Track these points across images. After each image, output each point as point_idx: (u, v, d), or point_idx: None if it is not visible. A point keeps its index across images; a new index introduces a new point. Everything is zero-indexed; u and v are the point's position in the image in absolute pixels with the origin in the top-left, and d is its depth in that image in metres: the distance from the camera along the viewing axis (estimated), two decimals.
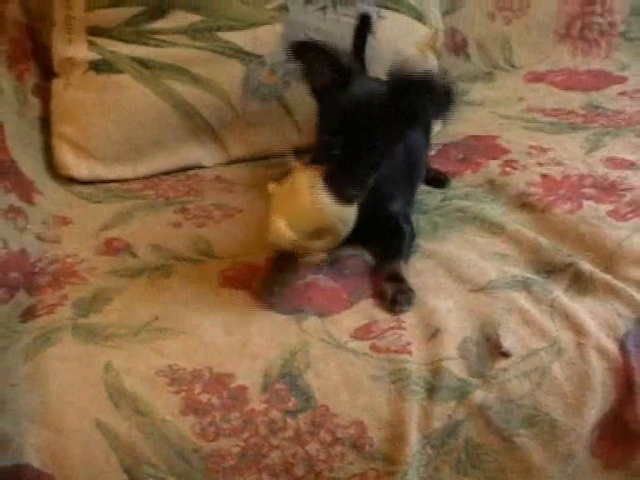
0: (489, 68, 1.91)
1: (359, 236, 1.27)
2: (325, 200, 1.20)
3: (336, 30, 1.59)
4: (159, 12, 1.56)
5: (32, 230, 1.40)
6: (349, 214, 1.24)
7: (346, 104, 1.24)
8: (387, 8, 1.64)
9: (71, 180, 1.57)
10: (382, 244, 1.31)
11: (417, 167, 1.43)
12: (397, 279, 1.26)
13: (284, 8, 1.59)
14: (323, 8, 1.61)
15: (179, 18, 1.56)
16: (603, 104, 1.75)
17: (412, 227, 1.36)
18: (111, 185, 1.56)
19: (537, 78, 1.88)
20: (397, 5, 1.65)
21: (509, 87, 1.84)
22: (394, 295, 1.23)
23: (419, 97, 1.21)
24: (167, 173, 1.60)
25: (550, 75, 1.88)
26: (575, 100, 1.77)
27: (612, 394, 1.19)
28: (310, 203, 1.21)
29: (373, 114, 1.22)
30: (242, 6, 1.58)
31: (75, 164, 1.56)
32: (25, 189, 1.45)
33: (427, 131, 1.48)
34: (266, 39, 1.58)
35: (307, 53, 1.26)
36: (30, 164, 1.51)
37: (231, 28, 1.57)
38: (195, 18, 1.57)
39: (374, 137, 1.21)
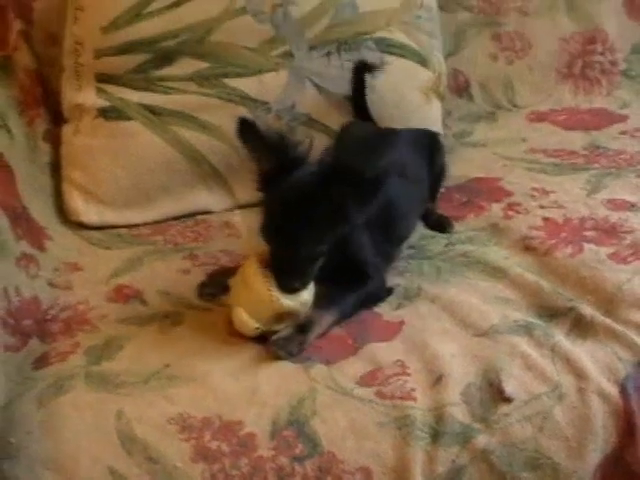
0: (492, 108, 1.93)
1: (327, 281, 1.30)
2: (275, 292, 1.25)
3: (340, 76, 1.64)
4: (167, 59, 1.60)
5: (44, 277, 1.43)
6: (306, 297, 1.28)
7: (279, 200, 1.27)
8: (391, 54, 1.67)
9: (81, 225, 1.59)
10: (340, 289, 1.33)
11: (398, 221, 1.43)
12: (303, 329, 1.26)
13: (289, 54, 1.63)
14: (328, 54, 1.65)
15: (186, 65, 1.61)
16: (604, 144, 1.77)
17: (381, 279, 1.37)
18: (120, 230, 1.60)
19: (539, 118, 1.90)
20: (401, 50, 1.68)
21: (512, 127, 1.87)
22: (279, 337, 1.25)
23: (343, 192, 1.24)
24: (176, 218, 1.62)
25: (552, 114, 1.91)
26: (577, 140, 1.79)
27: (613, 437, 1.21)
28: (262, 295, 1.25)
29: (304, 210, 1.25)
30: (248, 53, 1.62)
31: (84, 210, 1.59)
32: (36, 235, 1.48)
33: (420, 185, 1.50)
34: (272, 85, 1.62)
35: (252, 137, 1.28)
36: (41, 210, 1.55)
37: (237, 75, 1.61)
38: (202, 65, 1.61)
39: (307, 232, 1.24)
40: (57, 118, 1.66)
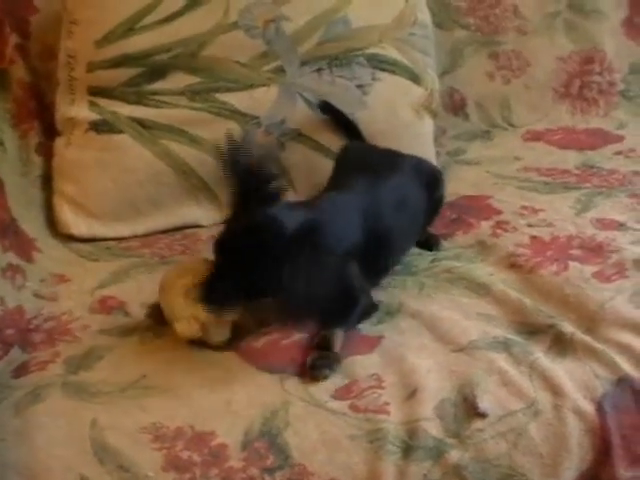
0: (488, 127, 1.93)
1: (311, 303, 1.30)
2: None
3: (331, 92, 1.65)
4: (159, 73, 1.61)
5: (30, 287, 1.44)
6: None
7: (228, 231, 1.28)
8: (383, 70, 1.68)
9: (71, 238, 1.60)
10: (329, 312, 1.31)
11: (387, 254, 1.42)
12: (324, 346, 1.27)
13: (281, 70, 1.64)
14: (319, 70, 1.65)
15: (178, 79, 1.62)
16: (598, 163, 1.77)
17: (368, 298, 1.37)
18: (109, 243, 1.61)
19: (535, 137, 1.90)
20: (393, 67, 1.68)
21: (506, 146, 1.87)
22: (314, 361, 1.25)
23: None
24: (165, 232, 1.63)
25: (548, 134, 1.91)
26: (571, 159, 1.79)
27: (589, 455, 1.20)
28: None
29: (240, 252, 1.24)
30: (240, 68, 1.63)
31: (74, 222, 1.60)
32: (25, 247, 1.50)
33: (416, 218, 1.50)
34: (262, 100, 1.63)
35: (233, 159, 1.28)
36: (31, 222, 1.57)
37: (228, 89, 1.62)
38: (194, 79, 1.62)
39: (242, 271, 1.23)
40: (51, 132, 1.67)
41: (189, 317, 1.28)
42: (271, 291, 1.25)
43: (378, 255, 1.40)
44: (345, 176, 1.50)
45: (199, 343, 1.29)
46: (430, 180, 1.54)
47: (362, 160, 1.55)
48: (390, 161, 1.53)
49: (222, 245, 1.28)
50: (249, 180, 1.28)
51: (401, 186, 1.48)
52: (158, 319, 1.34)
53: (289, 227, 1.25)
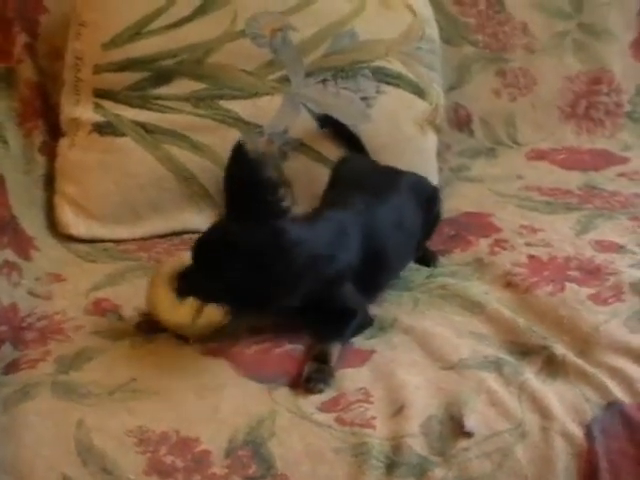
0: (492, 144, 1.93)
1: (306, 314, 1.32)
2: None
3: (335, 103, 1.65)
4: (164, 78, 1.62)
5: (25, 285, 1.44)
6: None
7: (208, 233, 1.29)
8: (387, 83, 1.68)
9: (70, 238, 1.61)
10: (325, 324, 1.32)
11: (382, 272, 1.42)
12: (321, 360, 1.27)
13: (286, 79, 1.64)
14: (324, 81, 1.66)
15: (183, 85, 1.63)
16: (600, 184, 1.77)
17: (364, 312, 1.37)
18: (107, 245, 1.61)
19: (539, 156, 1.90)
20: (397, 80, 1.69)
21: (510, 164, 1.86)
22: (310, 374, 1.25)
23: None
24: (164, 236, 1.63)
25: (552, 153, 1.90)
26: (573, 179, 1.79)
27: (575, 479, 1.18)
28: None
29: (226, 259, 1.24)
30: (245, 76, 1.64)
31: (74, 223, 1.61)
32: (23, 245, 1.50)
33: (412, 237, 1.49)
34: (266, 109, 1.63)
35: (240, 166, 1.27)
36: (31, 221, 1.57)
37: (233, 97, 1.63)
38: (199, 86, 1.63)
39: (218, 275, 1.24)
40: (56, 132, 1.68)
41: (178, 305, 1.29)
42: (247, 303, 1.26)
43: (374, 273, 1.40)
44: (342, 192, 1.50)
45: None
46: (427, 199, 1.54)
47: (360, 176, 1.55)
48: (388, 179, 1.53)
49: (201, 245, 1.28)
50: (256, 188, 1.26)
51: (398, 205, 1.48)
52: (148, 328, 1.34)
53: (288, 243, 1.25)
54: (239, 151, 1.25)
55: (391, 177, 1.53)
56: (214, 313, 1.30)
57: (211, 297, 1.28)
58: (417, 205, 1.50)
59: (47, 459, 1.14)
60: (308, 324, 1.33)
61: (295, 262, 1.25)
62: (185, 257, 1.34)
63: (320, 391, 1.23)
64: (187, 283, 1.28)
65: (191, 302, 1.29)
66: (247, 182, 1.25)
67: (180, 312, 1.29)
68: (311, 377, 1.24)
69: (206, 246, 1.28)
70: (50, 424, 1.18)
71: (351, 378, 1.26)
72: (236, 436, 1.17)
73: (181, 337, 1.32)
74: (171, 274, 1.31)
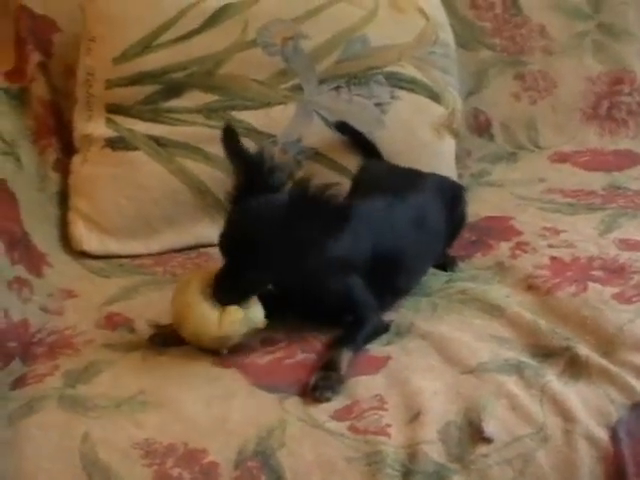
0: (513, 149, 1.89)
1: (320, 318, 1.31)
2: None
3: (348, 110, 1.63)
4: (175, 91, 1.61)
5: (37, 301, 1.43)
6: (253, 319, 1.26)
7: (238, 216, 1.27)
8: (401, 88, 1.65)
9: (84, 254, 1.60)
10: (338, 330, 1.31)
11: (399, 274, 1.39)
12: (330, 367, 1.24)
13: (299, 88, 1.62)
14: (337, 88, 1.63)
15: (194, 97, 1.61)
16: (625, 184, 1.72)
17: (377, 318, 1.34)
18: (123, 260, 1.59)
19: (561, 159, 1.85)
20: (412, 85, 1.66)
21: (532, 168, 1.82)
22: (316, 382, 1.21)
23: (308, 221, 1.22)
24: (179, 250, 1.61)
25: (575, 155, 1.86)
26: (597, 181, 1.74)
27: None
28: (204, 316, 1.26)
29: (258, 233, 1.23)
30: (257, 86, 1.62)
31: (87, 238, 1.60)
32: (35, 261, 1.49)
33: (435, 239, 1.46)
34: (279, 118, 1.61)
35: (234, 147, 1.28)
36: (44, 237, 1.56)
37: (245, 108, 1.61)
38: (210, 98, 1.61)
39: (255, 256, 1.23)
40: (70, 149, 1.67)
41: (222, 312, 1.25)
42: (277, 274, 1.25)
43: (390, 274, 1.37)
44: (361, 193, 1.47)
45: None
46: (451, 198, 1.51)
47: (381, 178, 1.53)
48: (410, 179, 1.50)
49: (225, 239, 1.27)
50: (254, 166, 1.27)
51: (419, 204, 1.44)
52: (162, 341, 1.32)
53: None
54: (229, 137, 1.28)
55: (413, 177, 1.51)
56: (256, 316, 1.27)
57: (256, 286, 1.26)
58: (441, 206, 1.47)
59: (50, 473, 1.12)
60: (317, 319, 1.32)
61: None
62: (211, 268, 1.32)
63: (327, 399, 1.19)
64: (228, 284, 1.25)
65: (233, 311, 1.25)
66: (243, 162, 1.27)
67: (224, 324, 1.25)
68: (318, 385, 1.21)
69: (233, 235, 1.26)
70: (54, 437, 1.16)
71: (365, 385, 1.22)
72: (245, 447, 1.14)
73: (207, 350, 1.28)
74: (202, 288, 1.27)
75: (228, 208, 1.30)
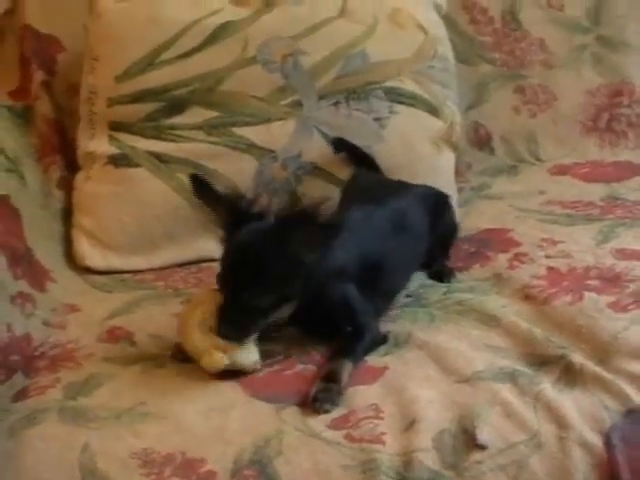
0: (514, 162, 1.90)
1: (318, 329, 1.32)
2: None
3: (347, 125, 1.64)
4: (177, 108, 1.63)
5: (40, 316, 1.44)
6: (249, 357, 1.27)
7: (230, 249, 1.30)
8: (400, 103, 1.67)
9: (88, 270, 1.61)
10: (338, 341, 1.32)
11: (386, 277, 1.40)
12: (331, 379, 1.25)
13: (298, 104, 1.64)
14: (336, 104, 1.65)
15: (196, 114, 1.63)
16: (623, 195, 1.73)
17: (375, 328, 1.35)
18: (125, 275, 1.61)
19: (561, 171, 1.86)
20: (411, 100, 1.67)
21: (532, 181, 1.83)
22: (317, 393, 1.22)
23: (297, 238, 1.24)
24: (181, 265, 1.63)
25: (575, 168, 1.87)
26: (596, 192, 1.75)
27: None
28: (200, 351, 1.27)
29: (253, 259, 1.25)
30: (257, 102, 1.64)
31: (91, 254, 1.61)
32: (38, 277, 1.51)
33: (418, 241, 1.49)
34: (279, 134, 1.63)
35: (207, 193, 1.31)
36: (48, 253, 1.58)
37: (246, 124, 1.63)
38: (211, 114, 1.63)
39: (254, 281, 1.24)
40: (74, 166, 1.69)
41: (209, 349, 1.27)
42: (281, 298, 1.26)
43: (378, 279, 1.39)
44: (348, 204, 1.49)
45: (232, 373, 1.27)
46: (434, 205, 1.53)
47: (367, 189, 1.55)
48: (394, 189, 1.53)
49: (223, 273, 1.28)
50: (232, 203, 1.29)
51: (401, 212, 1.47)
52: (182, 357, 1.32)
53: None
54: (196, 184, 1.31)
55: (398, 187, 1.53)
56: (246, 359, 1.28)
57: (261, 313, 1.27)
58: (423, 213, 1.49)
59: None
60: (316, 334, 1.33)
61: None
62: (202, 295, 1.34)
63: (327, 411, 1.21)
64: (232, 317, 1.25)
65: (224, 347, 1.26)
66: (221, 204, 1.30)
67: (214, 358, 1.26)
68: (317, 397, 1.22)
69: (231, 267, 1.28)
70: (54, 448, 1.18)
71: (362, 395, 1.24)
72: (242, 456, 1.15)
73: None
74: (199, 316, 1.29)
75: (221, 248, 1.31)
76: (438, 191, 1.59)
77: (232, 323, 1.26)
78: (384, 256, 1.40)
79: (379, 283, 1.38)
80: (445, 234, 1.53)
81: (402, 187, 1.54)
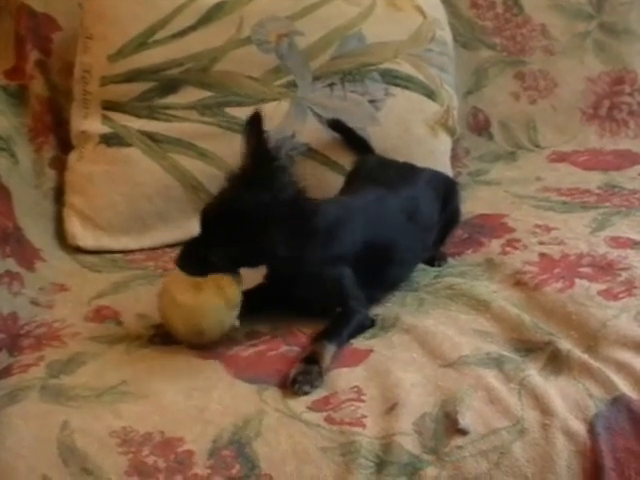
0: (513, 148, 1.89)
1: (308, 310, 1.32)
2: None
3: (342, 107, 1.63)
4: (171, 88, 1.62)
5: (27, 295, 1.44)
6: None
7: (219, 198, 1.30)
8: (396, 85, 1.65)
9: (79, 250, 1.61)
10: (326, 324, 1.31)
11: (391, 267, 1.39)
12: (312, 360, 1.23)
13: (293, 85, 1.63)
14: (331, 85, 1.64)
15: (190, 94, 1.62)
16: (621, 183, 1.71)
17: (364, 313, 1.33)
18: (116, 255, 1.60)
19: (560, 158, 1.85)
20: (407, 82, 1.66)
21: (530, 167, 1.82)
22: (296, 375, 1.21)
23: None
24: (172, 245, 1.60)
25: (574, 155, 1.85)
26: (593, 180, 1.73)
27: (578, 478, 1.13)
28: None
29: (231, 219, 1.25)
30: (251, 82, 1.63)
31: (82, 234, 1.61)
32: (27, 256, 1.50)
33: (427, 233, 1.46)
34: (273, 115, 1.59)
35: (256, 133, 1.29)
36: (39, 233, 1.57)
37: (240, 104, 1.61)
38: (205, 94, 1.62)
39: (224, 237, 1.25)
40: (68, 146, 1.68)
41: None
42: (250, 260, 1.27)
43: (381, 268, 1.37)
44: (355, 186, 1.48)
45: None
46: (444, 192, 1.51)
47: (374, 172, 1.53)
48: (404, 173, 1.51)
49: (206, 212, 1.30)
50: (265, 159, 1.28)
51: (412, 199, 1.45)
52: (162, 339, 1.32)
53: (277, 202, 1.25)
54: (254, 122, 1.29)
55: (407, 171, 1.51)
56: (232, 291, 1.28)
57: (217, 267, 1.27)
58: (434, 200, 1.47)
59: (28, 460, 1.13)
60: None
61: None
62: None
63: (305, 393, 1.19)
64: (193, 255, 1.28)
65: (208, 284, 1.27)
66: (260, 156, 1.28)
67: (200, 297, 1.27)
68: (296, 379, 1.21)
69: (215, 215, 1.28)
70: (34, 426, 1.17)
71: (345, 377, 1.22)
72: (221, 436, 1.14)
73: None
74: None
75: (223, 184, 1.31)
76: (447, 177, 1.58)
77: (191, 258, 1.28)
78: (390, 245, 1.38)
79: (382, 272, 1.37)
80: (448, 221, 1.51)
81: (409, 172, 1.51)
